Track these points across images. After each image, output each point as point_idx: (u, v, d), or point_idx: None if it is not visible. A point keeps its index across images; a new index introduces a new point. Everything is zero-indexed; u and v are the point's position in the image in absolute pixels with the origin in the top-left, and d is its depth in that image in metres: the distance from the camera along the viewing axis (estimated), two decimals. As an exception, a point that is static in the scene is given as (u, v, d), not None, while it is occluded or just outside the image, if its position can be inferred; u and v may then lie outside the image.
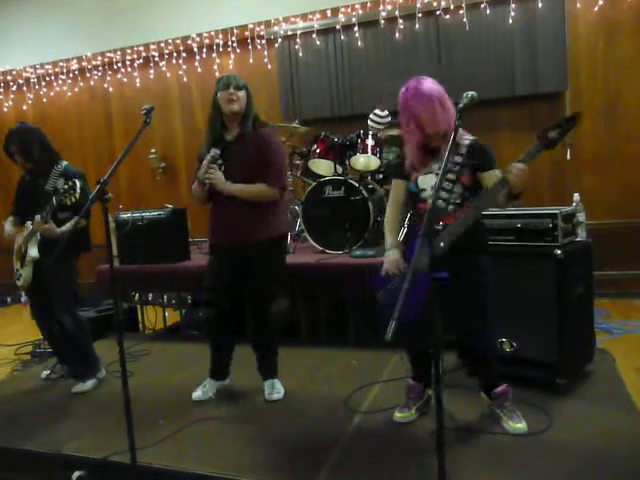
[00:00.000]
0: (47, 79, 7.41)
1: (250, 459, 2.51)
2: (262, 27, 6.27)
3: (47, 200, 3.23)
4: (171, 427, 2.85)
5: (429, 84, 2.42)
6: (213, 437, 2.77)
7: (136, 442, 2.31)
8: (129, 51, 6.91)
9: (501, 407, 2.62)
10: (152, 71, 6.96)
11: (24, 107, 7.68)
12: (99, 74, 7.18)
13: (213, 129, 3.05)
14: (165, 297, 5.18)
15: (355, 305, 4.09)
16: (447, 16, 5.60)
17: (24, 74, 7.45)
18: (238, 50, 6.46)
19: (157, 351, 4.28)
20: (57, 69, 7.32)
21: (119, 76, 7.11)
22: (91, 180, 3.50)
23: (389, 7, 5.76)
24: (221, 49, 6.52)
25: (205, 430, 2.85)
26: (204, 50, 6.59)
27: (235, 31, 6.36)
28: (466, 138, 2.49)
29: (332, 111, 6.08)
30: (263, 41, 6.32)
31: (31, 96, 7.59)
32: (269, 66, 6.37)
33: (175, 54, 6.73)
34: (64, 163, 3.48)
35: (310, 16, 6.07)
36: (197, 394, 3.22)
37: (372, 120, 4.94)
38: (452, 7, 5.55)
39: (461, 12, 5.53)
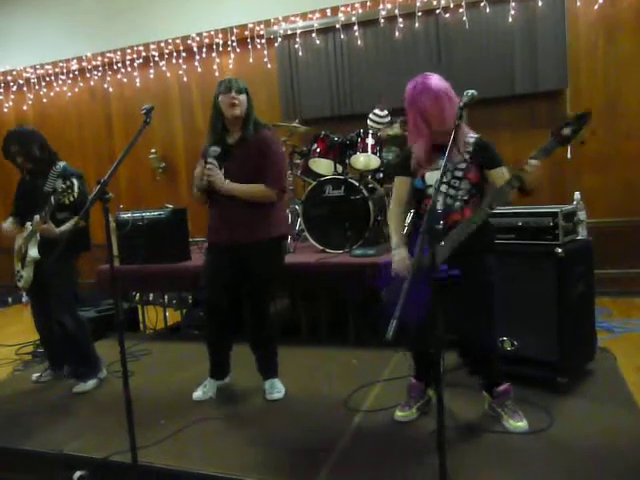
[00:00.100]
0: (47, 79, 7.42)
1: (251, 458, 2.51)
2: (262, 26, 6.27)
3: (46, 201, 3.23)
4: (172, 427, 2.85)
5: (437, 80, 2.42)
6: (214, 437, 2.77)
7: (137, 442, 2.31)
8: (129, 51, 6.91)
9: (502, 406, 2.62)
10: (152, 71, 6.96)
11: (24, 107, 7.68)
12: (99, 74, 7.19)
13: (214, 131, 3.06)
14: (166, 297, 5.18)
15: (355, 304, 4.09)
16: (447, 15, 5.59)
17: (24, 74, 7.46)
18: (238, 50, 6.47)
19: (158, 351, 4.28)
20: (57, 69, 7.32)
21: (119, 76, 7.11)
22: (91, 180, 3.52)
23: (389, 6, 5.76)
24: (221, 49, 6.52)
25: (206, 430, 2.85)
26: (204, 50, 6.59)
27: (235, 30, 6.36)
28: (471, 136, 2.50)
29: (332, 110, 6.08)
30: (263, 40, 6.32)
31: (31, 96, 7.59)
32: (269, 65, 6.37)
33: (175, 54, 6.74)
34: (62, 164, 3.49)
35: (310, 15, 6.07)
36: (197, 394, 3.22)
37: (372, 120, 4.93)
38: (452, 6, 5.55)
39: (461, 11, 5.53)
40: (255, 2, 6.25)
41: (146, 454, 2.50)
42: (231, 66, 6.56)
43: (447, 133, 2.39)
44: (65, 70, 7.31)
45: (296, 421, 2.86)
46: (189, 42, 6.61)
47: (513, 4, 5.37)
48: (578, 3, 5.34)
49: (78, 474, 2.58)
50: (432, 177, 2.49)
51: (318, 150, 4.70)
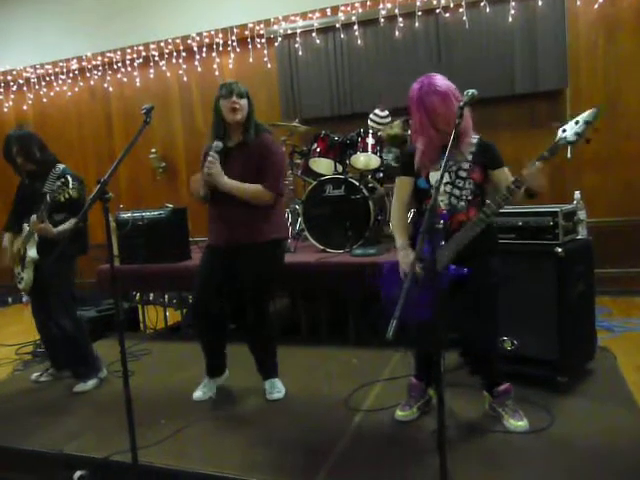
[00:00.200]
0: (47, 79, 7.42)
1: (251, 458, 2.51)
2: (262, 26, 6.27)
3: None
4: (172, 426, 2.85)
5: (443, 80, 2.42)
6: (214, 437, 2.77)
7: (137, 442, 2.31)
8: (129, 51, 6.91)
9: (503, 405, 2.62)
10: (152, 71, 6.96)
11: (24, 107, 7.68)
12: (99, 74, 7.19)
13: (216, 135, 3.06)
14: (166, 297, 5.18)
15: (356, 304, 4.09)
16: (447, 14, 5.59)
17: (24, 74, 7.45)
18: (238, 49, 6.46)
19: (158, 351, 4.28)
20: (57, 69, 7.32)
21: (119, 76, 7.11)
22: (91, 180, 3.52)
23: (389, 5, 5.75)
24: (221, 48, 6.52)
25: (206, 429, 2.85)
26: (204, 49, 6.59)
27: (235, 30, 6.36)
28: (473, 137, 2.50)
29: (332, 110, 6.08)
30: (263, 40, 6.32)
31: (31, 96, 7.59)
32: (269, 65, 6.37)
33: (175, 53, 6.73)
34: (62, 166, 3.51)
35: (310, 15, 6.07)
36: (197, 394, 3.22)
37: (372, 120, 4.93)
38: (452, 5, 5.55)
39: (461, 10, 5.53)
40: (255, 2, 6.24)
41: (146, 454, 2.50)
42: (231, 66, 6.56)
43: (451, 134, 2.40)
44: (65, 70, 7.31)
45: (296, 421, 2.86)
46: (189, 42, 6.61)
47: (513, 4, 5.37)
48: (578, 3, 5.33)
49: (78, 474, 2.58)
50: (436, 177, 2.48)
51: (318, 150, 4.70)
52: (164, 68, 6.86)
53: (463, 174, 2.46)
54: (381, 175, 4.76)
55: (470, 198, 2.47)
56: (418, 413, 2.75)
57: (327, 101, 6.08)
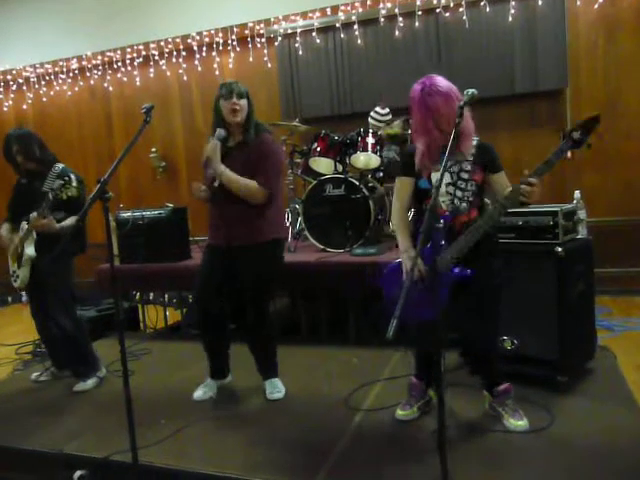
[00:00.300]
0: (47, 78, 7.41)
1: (251, 458, 2.51)
2: (262, 25, 6.27)
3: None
4: (172, 426, 2.85)
5: (444, 81, 2.42)
6: (214, 436, 2.77)
7: (137, 441, 2.31)
8: (129, 50, 6.90)
9: (503, 405, 2.62)
10: (152, 70, 6.96)
11: (24, 106, 7.67)
12: (99, 73, 7.18)
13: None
14: (166, 296, 5.18)
15: (356, 303, 4.09)
16: (447, 14, 5.59)
17: (24, 73, 7.45)
18: (238, 49, 6.46)
19: (158, 350, 4.28)
20: (57, 68, 7.32)
21: (119, 75, 7.11)
22: (91, 179, 3.52)
23: (389, 5, 5.75)
24: (221, 48, 6.52)
25: (206, 429, 2.85)
26: (204, 49, 6.59)
27: (235, 29, 6.35)
28: (473, 138, 2.50)
29: (332, 109, 6.08)
30: (263, 39, 6.32)
31: (31, 95, 7.59)
32: (269, 64, 6.37)
33: (175, 53, 6.73)
34: (61, 165, 3.51)
35: (310, 14, 6.06)
36: (198, 394, 3.22)
37: (373, 118, 4.93)
38: (452, 5, 5.55)
39: (461, 10, 5.53)
40: (255, 1, 6.24)
41: (146, 454, 2.50)
42: (231, 65, 6.56)
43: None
44: (65, 69, 7.31)
45: (296, 421, 2.86)
46: (189, 41, 6.60)
47: (513, 3, 5.37)
48: (578, 2, 5.33)
49: (78, 474, 2.58)
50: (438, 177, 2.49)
51: (318, 149, 4.70)
52: (164, 67, 6.85)
53: (465, 175, 2.46)
54: (381, 174, 4.75)
55: (471, 199, 2.47)
56: (418, 413, 2.75)
57: (327, 100, 6.08)
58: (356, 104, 5.95)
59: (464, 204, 2.46)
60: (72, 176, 3.22)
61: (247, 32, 6.34)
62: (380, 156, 4.61)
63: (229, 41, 6.43)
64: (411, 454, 2.44)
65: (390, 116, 4.91)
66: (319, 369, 3.61)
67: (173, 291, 5.19)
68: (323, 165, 4.84)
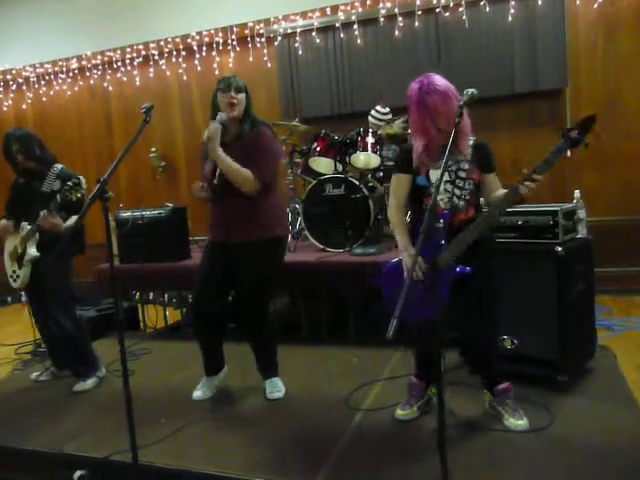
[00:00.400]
0: (47, 78, 7.41)
1: (251, 458, 2.51)
2: (262, 25, 6.27)
3: (44, 201, 3.27)
4: (172, 426, 2.85)
5: (442, 80, 2.43)
6: (214, 436, 2.77)
7: (137, 441, 2.31)
8: (129, 50, 6.90)
9: (503, 404, 2.62)
10: (152, 70, 6.95)
11: (24, 106, 7.67)
12: (99, 73, 7.18)
13: None
14: (166, 296, 5.18)
15: (356, 303, 4.09)
16: (447, 14, 5.59)
17: (24, 73, 7.44)
18: (238, 48, 6.46)
19: (158, 350, 4.28)
20: (57, 68, 7.32)
21: (119, 75, 7.10)
22: (91, 179, 3.52)
23: (389, 5, 5.75)
24: (221, 47, 6.52)
25: (206, 429, 2.85)
26: (204, 48, 6.58)
27: (235, 29, 6.35)
28: (470, 138, 2.50)
29: (332, 109, 6.08)
30: (263, 39, 6.32)
31: (31, 95, 7.58)
32: (269, 64, 6.37)
33: (175, 53, 6.73)
34: (60, 166, 3.51)
35: (310, 14, 6.06)
36: (197, 394, 3.22)
37: (373, 117, 4.92)
38: (452, 5, 5.55)
39: (460, 10, 5.52)
40: (255, 1, 6.23)
41: (146, 453, 2.50)
42: (231, 65, 6.56)
43: (450, 132, 2.40)
44: (65, 69, 7.31)
45: (296, 420, 2.86)
46: (189, 41, 6.60)
47: (513, 3, 5.37)
48: (578, 2, 5.33)
49: (78, 474, 2.58)
50: (437, 175, 2.49)
51: (318, 149, 4.70)
52: (164, 67, 6.85)
53: (463, 174, 2.47)
54: (381, 174, 4.75)
55: (468, 198, 2.48)
56: (418, 412, 2.76)
57: (327, 100, 6.08)
58: (356, 104, 5.95)
59: (462, 202, 2.47)
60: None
61: (247, 32, 6.33)
62: (380, 156, 4.60)
63: (229, 41, 6.43)
64: (411, 454, 2.44)
65: (390, 115, 4.90)
66: (319, 369, 3.61)
67: (173, 291, 5.19)
68: (323, 165, 4.84)
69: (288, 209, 4.97)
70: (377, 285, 2.68)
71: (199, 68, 6.69)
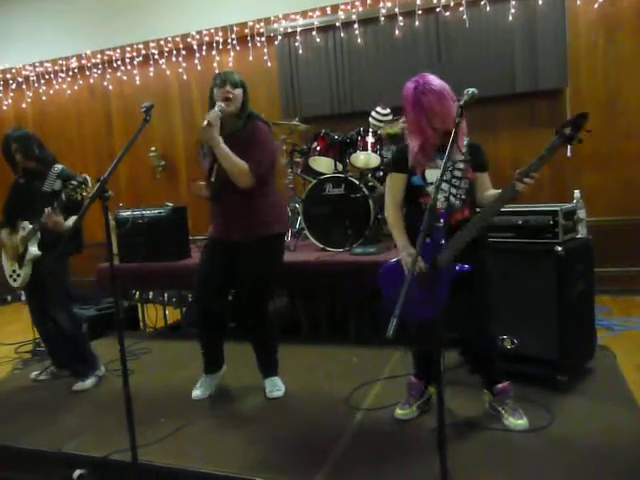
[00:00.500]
0: (46, 77, 7.41)
1: (251, 457, 2.51)
2: (262, 24, 6.26)
3: (45, 201, 3.27)
4: (172, 425, 2.85)
5: (437, 80, 2.44)
6: (214, 435, 2.77)
7: (137, 440, 2.30)
8: (129, 49, 6.90)
9: (503, 404, 2.62)
10: (152, 69, 6.95)
11: (23, 105, 7.67)
12: (99, 72, 7.18)
13: None
14: (165, 295, 5.18)
15: (356, 302, 4.09)
16: (447, 13, 5.59)
17: (23, 72, 7.44)
18: (238, 48, 6.45)
19: (158, 349, 4.28)
20: (56, 67, 7.31)
21: (119, 74, 7.10)
22: (91, 178, 3.52)
23: (389, 4, 5.75)
24: (221, 47, 6.51)
25: (206, 428, 2.85)
26: (204, 48, 6.58)
27: (235, 28, 6.35)
28: (464, 137, 2.51)
29: (332, 108, 6.07)
30: (263, 38, 6.32)
31: (30, 94, 7.58)
32: (269, 64, 6.36)
33: (175, 52, 6.73)
34: (60, 166, 3.51)
35: (310, 13, 6.06)
36: (197, 393, 3.22)
37: (373, 117, 4.92)
38: (452, 4, 5.55)
39: (461, 9, 5.52)
40: (255, 0, 6.23)
41: (146, 453, 2.50)
42: (231, 64, 6.55)
43: (446, 132, 2.41)
44: (65, 68, 7.30)
45: (296, 419, 2.86)
46: (189, 40, 6.60)
47: (513, 3, 5.36)
48: (578, 2, 5.33)
49: (78, 473, 2.58)
50: (432, 175, 2.50)
51: (318, 148, 4.70)
52: (164, 66, 6.85)
53: (458, 174, 2.48)
54: (381, 174, 4.75)
55: (464, 197, 2.49)
56: (418, 412, 2.76)
57: (327, 100, 6.08)
58: (356, 103, 5.95)
59: (458, 202, 2.48)
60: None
61: (247, 31, 6.33)
62: (380, 155, 4.60)
63: (229, 40, 6.43)
64: (411, 453, 2.44)
65: (391, 116, 4.90)
66: (319, 368, 3.60)
67: (173, 290, 5.19)
68: (323, 164, 4.84)
69: (288, 208, 4.97)
70: (377, 284, 2.68)
71: (199, 67, 6.68)
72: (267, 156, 3.00)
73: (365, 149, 4.58)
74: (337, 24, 5.96)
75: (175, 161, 7.03)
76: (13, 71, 7.47)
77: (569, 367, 2.95)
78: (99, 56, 7.04)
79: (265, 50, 6.35)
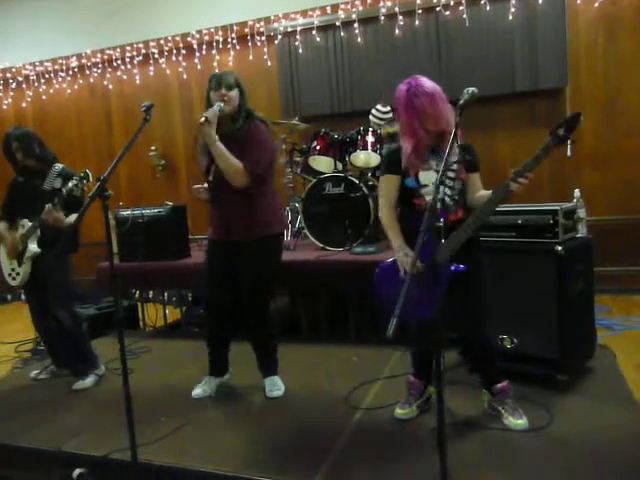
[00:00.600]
0: (46, 76, 7.40)
1: (251, 456, 2.51)
2: (262, 24, 6.27)
3: (45, 199, 3.27)
4: (172, 424, 2.85)
5: (429, 82, 2.46)
6: (214, 434, 2.77)
7: (137, 439, 2.31)
8: (129, 48, 6.90)
9: (502, 403, 2.62)
10: (152, 68, 6.95)
11: (23, 104, 7.67)
12: (99, 71, 7.18)
13: None
14: (165, 294, 5.18)
15: (355, 302, 4.09)
16: (447, 12, 5.59)
17: (23, 71, 7.44)
18: (238, 47, 6.45)
19: (157, 348, 4.28)
20: (56, 66, 7.31)
21: (119, 73, 7.10)
22: (91, 177, 3.52)
23: (389, 3, 5.75)
24: (221, 46, 6.51)
25: (206, 427, 2.85)
26: (204, 47, 6.58)
27: (235, 28, 6.35)
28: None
29: (332, 108, 6.07)
30: (263, 38, 6.32)
31: (30, 93, 7.58)
32: (269, 63, 6.36)
33: (175, 51, 6.73)
34: (60, 165, 3.52)
35: (310, 13, 6.06)
36: (197, 392, 3.22)
37: (374, 115, 4.92)
38: (452, 3, 5.55)
39: (461, 8, 5.52)
40: (255, -1, 6.24)
41: (146, 452, 2.50)
42: (231, 63, 6.55)
43: (438, 134, 2.42)
44: (64, 67, 7.30)
45: (296, 419, 2.86)
46: (189, 39, 6.60)
47: (513, 2, 5.36)
48: (578, 1, 5.33)
49: (77, 472, 2.58)
50: (427, 177, 2.50)
51: (318, 148, 4.70)
52: (164, 66, 6.85)
53: (452, 174, 2.49)
54: (381, 173, 4.75)
55: (457, 198, 2.51)
56: (418, 411, 2.76)
57: (327, 99, 6.08)
58: (356, 102, 5.95)
59: (452, 202, 2.48)
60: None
61: (247, 30, 6.33)
62: (380, 155, 4.60)
63: (229, 39, 6.43)
64: (411, 452, 2.44)
65: (391, 114, 4.89)
66: (319, 367, 3.60)
67: (173, 289, 5.19)
68: (323, 163, 4.84)
69: (288, 208, 4.97)
70: (374, 284, 2.69)
71: (199, 66, 6.68)
72: (265, 156, 3.00)
73: (365, 148, 4.59)
74: (337, 23, 5.95)
75: (175, 160, 7.03)
76: (13, 70, 7.47)
77: (569, 366, 2.95)
78: (99, 55, 7.04)
79: (265, 49, 6.34)
